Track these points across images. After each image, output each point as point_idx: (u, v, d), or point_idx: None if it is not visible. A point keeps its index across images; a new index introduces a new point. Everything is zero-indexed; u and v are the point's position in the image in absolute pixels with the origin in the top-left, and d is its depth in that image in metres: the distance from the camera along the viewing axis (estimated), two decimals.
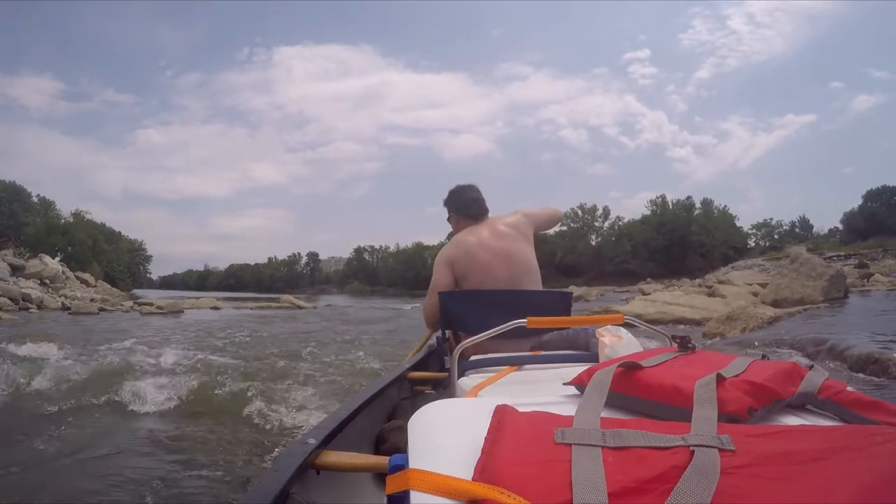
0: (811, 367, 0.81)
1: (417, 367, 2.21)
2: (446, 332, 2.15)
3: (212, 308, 17.69)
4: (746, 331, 5.51)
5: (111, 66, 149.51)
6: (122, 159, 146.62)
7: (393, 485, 0.55)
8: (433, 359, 2.51)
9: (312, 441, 1.03)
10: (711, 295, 9.27)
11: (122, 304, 17.93)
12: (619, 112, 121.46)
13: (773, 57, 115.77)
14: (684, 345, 0.94)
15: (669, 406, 0.69)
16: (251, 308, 17.86)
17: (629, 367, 0.76)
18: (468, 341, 1.41)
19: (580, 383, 0.79)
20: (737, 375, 0.73)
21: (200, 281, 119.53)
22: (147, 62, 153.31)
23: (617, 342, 1.29)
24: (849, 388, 0.75)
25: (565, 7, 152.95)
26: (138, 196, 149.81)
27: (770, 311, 5.76)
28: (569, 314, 2.01)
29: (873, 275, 15.00)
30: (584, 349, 1.63)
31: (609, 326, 1.37)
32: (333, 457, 1.03)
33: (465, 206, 2.23)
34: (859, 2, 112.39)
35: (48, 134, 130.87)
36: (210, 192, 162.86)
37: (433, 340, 2.55)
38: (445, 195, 2.33)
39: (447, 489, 0.50)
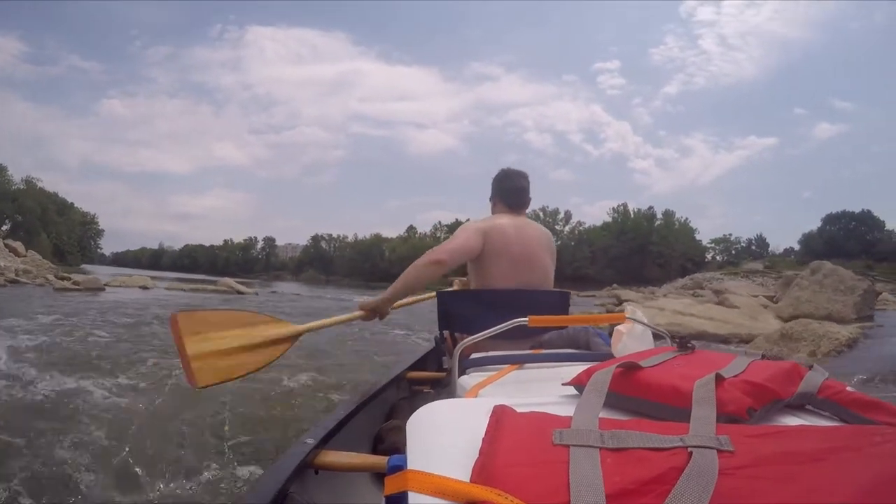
0: (811, 367, 0.80)
1: (416, 366, 2.25)
2: (444, 331, 1.99)
3: (141, 287, 16.04)
4: (818, 354, 4.27)
5: (79, 31, 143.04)
6: (84, 128, 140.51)
7: (391, 485, 0.54)
8: (431, 358, 2.51)
9: (311, 441, 1.05)
10: (720, 304, 8.19)
11: (45, 277, 16.28)
12: (585, 120, 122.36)
13: (741, 79, 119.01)
14: (683, 344, 0.94)
15: (668, 406, 0.67)
16: (185, 290, 15.96)
17: (628, 367, 0.75)
18: (468, 340, 1.38)
19: (579, 383, 0.79)
20: (736, 375, 0.72)
21: (154, 260, 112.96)
22: (117, 30, 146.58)
23: (631, 330, 1.32)
24: (849, 388, 0.74)
25: (541, 12, 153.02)
26: (97, 167, 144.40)
27: (844, 330, 4.55)
28: (567, 313, 1.98)
29: (881, 293, 14.31)
30: (586, 348, 1.61)
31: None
32: (332, 456, 1.05)
33: (507, 192, 2.13)
34: (828, 35, 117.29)
35: (8, 97, 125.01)
36: (170, 168, 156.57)
37: (431, 342, 2.53)
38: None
39: (445, 490, 0.49)
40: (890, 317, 8.20)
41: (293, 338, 1.61)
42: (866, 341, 4.51)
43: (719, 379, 0.68)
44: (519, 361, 1.37)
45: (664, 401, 0.68)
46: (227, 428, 3.04)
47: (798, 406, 0.75)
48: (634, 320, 1.40)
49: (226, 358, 1.39)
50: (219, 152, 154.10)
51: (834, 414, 0.72)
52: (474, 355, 1.44)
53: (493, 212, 2.15)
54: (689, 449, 0.49)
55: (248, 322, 1.52)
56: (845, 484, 0.43)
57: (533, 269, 1.98)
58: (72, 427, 2.85)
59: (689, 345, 0.94)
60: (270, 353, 1.51)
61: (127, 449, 2.59)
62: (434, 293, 2.04)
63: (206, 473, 2.40)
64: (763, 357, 0.87)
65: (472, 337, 1.38)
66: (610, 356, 1.28)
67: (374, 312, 1.84)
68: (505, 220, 1.99)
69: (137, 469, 2.38)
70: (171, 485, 2.24)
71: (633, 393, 0.72)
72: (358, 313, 1.84)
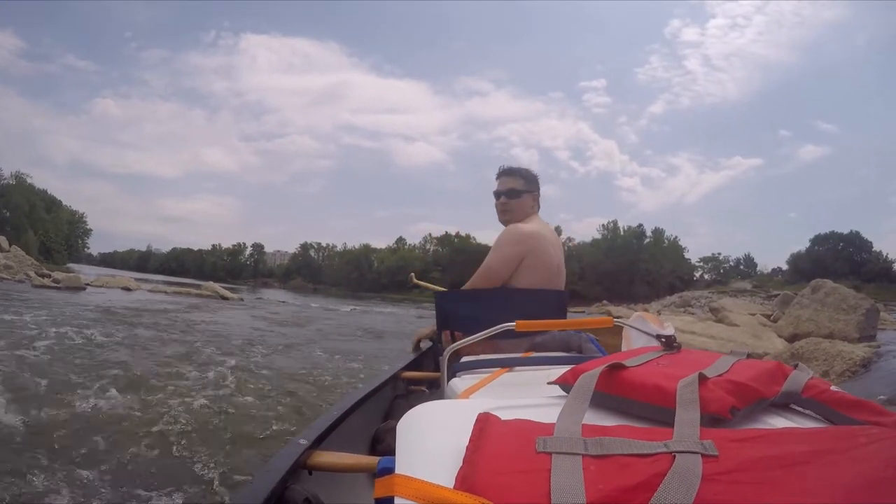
0: (796, 366, 0.79)
1: (411, 366, 2.24)
2: (443, 332, 2.00)
3: (123, 289, 15.64)
4: (832, 375, 4.10)
5: (76, 30, 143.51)
6: (75, 127, 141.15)
7: (380, 489, 0.55)
8: (428, 358, 2.53)
9: (304, 441, 1.03)
10: (720, 322, 8.04)
11: (26, 273, 16.01)
12: (571, 137, 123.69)
13: (726, 100, 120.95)
14: (669, 344, 0.93)
15: (653, 406, 0.67)
16: (167, 293, 15.53)
17: (613, 367, 0.74)
18: (458, 343, 1.38)
19: (565, 382, 0.79)
20: (720, 375, 0.71)
21: (142, 262, 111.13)
22: (113, 31, 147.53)
23: (638, 322, 1.38)
24: (833, 388, 0.73)
25: (529, 30, 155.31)
26: (86, 167, 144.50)
27: (858, 350, 4.38)
28: (564, 313, 2.00)
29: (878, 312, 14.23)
30: (578, 352, 1.63)
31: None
32: (326, 457, 1.03)
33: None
34: (812, 57, 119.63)
35: (2, 91, 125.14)
36: (160, 171, 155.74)
37: (427, 341, 2.52)
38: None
39: (430, 497, 0.49)
40: (892, 336, 8.08)
41: None
42: (879, 360, 4.35)
43: (703, 378, 0.67)
44: (510, 364, 1.37)
45: (648, 400, 0.67)
46: (217, 427, 2.84)
47: (782, 405, 0.73)
48: (623, 324, 1.41)
49: None
50: (209, 157, 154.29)
51: (818, 413, 0.71)
52: (466, 358, 1.46)
53: (529, 210, 2.14)
54: (673, 454, 0.48)
55: None
56: (830, 487, 0.42)
57: (560, 275, 2.02)
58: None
59: (674, 344, 0.93)
60: None
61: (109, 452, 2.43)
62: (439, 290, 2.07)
63: (199, 473, 2.29)
64: (748, 356, 0.85)
65: (462, 341, 1.38)
66: None
67: None
68: (546, 232, 2.01)
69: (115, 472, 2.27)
70: (153, 489, 2.14)
71: (618, 392, 0.71)
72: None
